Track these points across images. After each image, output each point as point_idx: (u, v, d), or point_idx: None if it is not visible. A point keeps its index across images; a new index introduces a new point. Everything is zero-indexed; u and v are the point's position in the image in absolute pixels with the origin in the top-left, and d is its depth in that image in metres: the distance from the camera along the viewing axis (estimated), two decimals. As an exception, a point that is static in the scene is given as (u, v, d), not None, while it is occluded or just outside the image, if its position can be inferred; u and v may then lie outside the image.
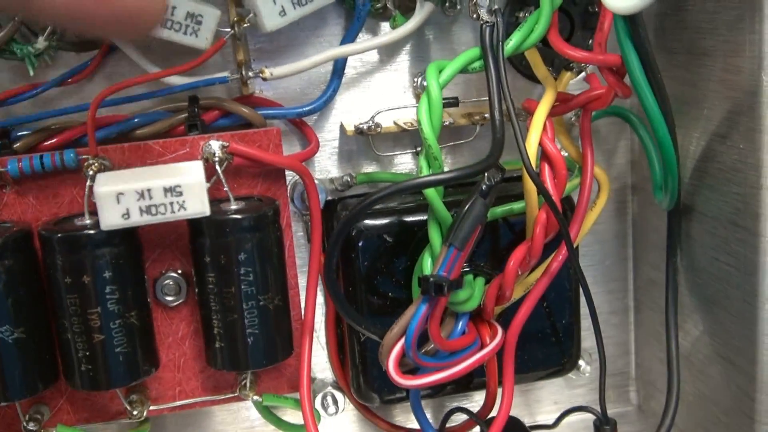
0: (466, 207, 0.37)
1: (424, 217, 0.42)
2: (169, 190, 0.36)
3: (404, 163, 0.47)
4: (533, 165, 0.38)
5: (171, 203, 0.37)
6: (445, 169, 0.39)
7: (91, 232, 0.37)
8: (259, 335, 0.39)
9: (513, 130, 0.37)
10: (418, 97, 0.46)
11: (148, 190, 0.36)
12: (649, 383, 0.52)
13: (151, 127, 0.42)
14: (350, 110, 0.45)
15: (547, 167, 0.39)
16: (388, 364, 0.38)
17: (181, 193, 0.37)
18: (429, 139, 0.37)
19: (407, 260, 0.43)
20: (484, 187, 0.37)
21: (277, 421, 0.47)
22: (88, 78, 0.42)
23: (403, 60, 0.46)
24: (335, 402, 0.48)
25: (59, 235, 0.37)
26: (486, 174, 0.37)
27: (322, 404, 0.48)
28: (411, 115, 0.45)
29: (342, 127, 0.45)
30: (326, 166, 0.46)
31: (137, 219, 0.36)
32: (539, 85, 0.46)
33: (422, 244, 0.42)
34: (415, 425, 0.44)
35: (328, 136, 0.46)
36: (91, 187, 0.38)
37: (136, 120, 0.42)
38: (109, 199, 0.36)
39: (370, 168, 0.47)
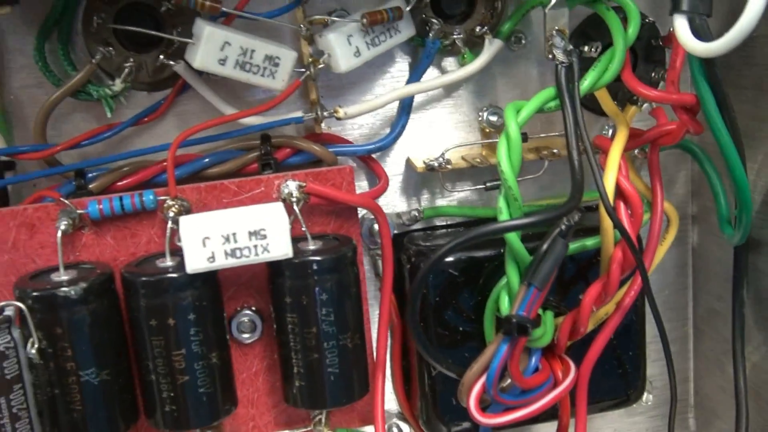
0: (546, 246, 0.38)
1: (491, 252, 0.43)
2: (253, 234, 0.37)
3: (462, 191, 0.47)
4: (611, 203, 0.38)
5: (255, 246, 0.37)
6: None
7: (175, 275, 0.37)
8: (338, 374, 0.40)
9: (591, 170, 0.38)
10: (482, 131, 0.46)
11: (234, 234, 0.37)
12: (708, 410, 0.52)
13: (223, 166, 0.42)
14: (414, 145, 0.46)
15: (622, 205, 0.40)
16: (469, 402, 0.39)
17: (265, 236, 0.37)
18: (509, 180, 0.37)
19: (476, 295, 0.44)
20: (563, 227, 0.38)
21: (345, 454, 0.47)
22: (159, 117, 0.43)
23: (468, 93, 0.46)
24: (401, 432, 0.49)
25: (143, 278, 0.38)
26: (568, 216, 0.37)
27: (388, 435, 0.49)
28: (477, 150, 0.45)
29: (409, 162, 0.45)
30: (392, 200, 0.46)
31: (222, 262, 0.37)
32: (601, 117, 0.47)
33: (491, 279, 0.42)
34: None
35: (393, 171, 0.46)
36: (173, 229, 0.39)
37: (206, 160, 0.43)
38: (195, 244, 0.36)
39: (434, 201, 0.47)
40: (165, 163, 0.42)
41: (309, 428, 0.44)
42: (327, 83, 0.44)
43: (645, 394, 0.49)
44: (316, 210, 0.42)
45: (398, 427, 0.48)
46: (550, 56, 0.39)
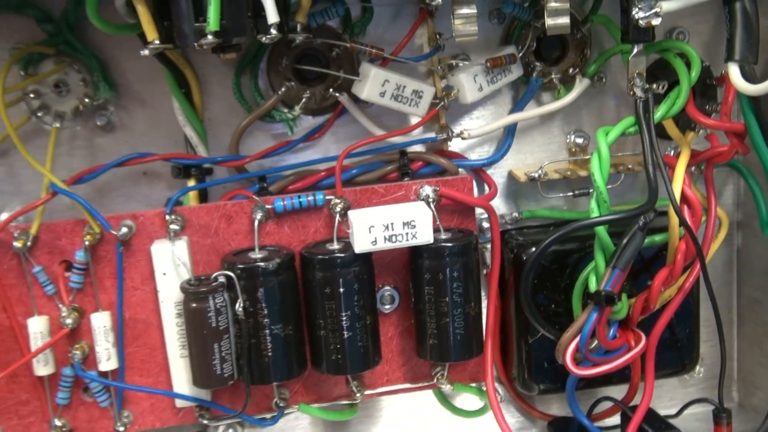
0: (628, 238, 0.49)
1: (574, 246, 0.54)
2: (406, 224, 0.49)
3: (554, 197, 0.58)
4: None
5: (406, 233, 0.49)
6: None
7: (343, 254, 0.49)
8: (463, 335, 0.51)
9: (663, 180, 0.49)
10: (569, 150, 0.58)
11: (392, 224, 0.48)
12: (749, 383, 0.63)
13: (369, 175, 0.54)
14: (514, 160, 0.58)
15: (686, 208, 0.51)
16: (565, 358, 0.50)
17: (414, 226, 0.49)
18: (600, 187, 0.49)
19: (564, 279, 0.55)
20: (642, 222, 0.49)
21: (453, 409, 0.59)
22: (320, 136, 0.55)
23: (558, 120, 0.58)
24: (497, 392, 0.60)
25: (319, 256, 0.50)
26: (645, 215, 0.49)
27: (486, 395, 0.60)
28: (565, 165, 0.57)
29: (511, 174, 0.57)
30: (495, 203, 0.58)
31: (381, 245, 0.49)
32: (665, 140, 0.58)
33: (575, 267, 0.54)
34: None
35: (496, 180, 0.58)
36: (340, 222, 0.51)
37: (354, 171, 0.54)
38: (362, 230, 0.48)
39: (527, 206, 0.59)
40: (323, 172, 0.54)
41: (430, 382, 0.55)
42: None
43: (697, 367, 0.60)
44: (442, 209, 0.53)
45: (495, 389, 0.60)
46: (631, 93, 0.50)
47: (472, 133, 0.53)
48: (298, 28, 0.47)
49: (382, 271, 0.53)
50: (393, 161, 0.55)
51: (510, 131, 0.56)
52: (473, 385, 0.56)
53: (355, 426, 0.61)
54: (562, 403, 0.61)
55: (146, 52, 0.44)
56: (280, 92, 0.52)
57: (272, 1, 0.42)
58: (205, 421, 0.53)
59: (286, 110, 0.53)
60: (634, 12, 0.48)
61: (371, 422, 0.62)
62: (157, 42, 0.44)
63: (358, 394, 0.54)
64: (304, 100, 0.53)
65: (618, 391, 0.58)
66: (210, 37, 0.42)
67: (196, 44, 0.43)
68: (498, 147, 0.57)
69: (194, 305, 0.48)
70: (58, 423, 0.52)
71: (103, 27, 0.45)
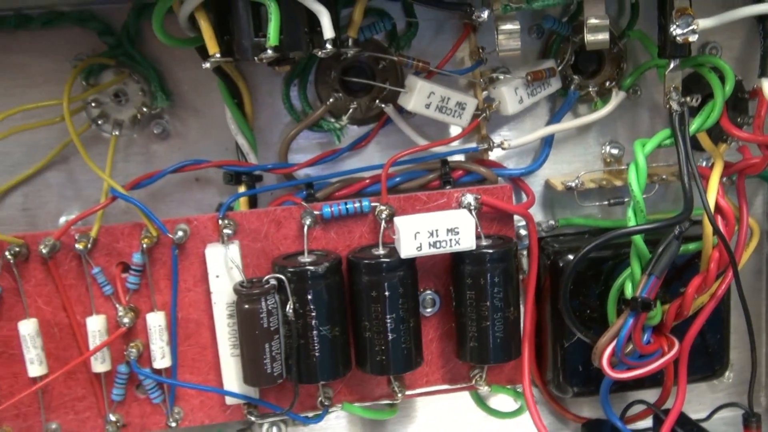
0: (664, 246, 0.51)
1: (608, 253, 0.56)
2: (450, 230, 0.51)
3: (589, 206, 0.60)
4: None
5: (450, 239, 0.51)
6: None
7: (389, 259, 0.51)
8: (502, 338, 0.53)
9: (698, 191, 0.51)
10: (604, 160, 0.60)
11: (436, 230, 0.50)
12: (778, 390, 0.64)
13: (411, 183, 0.57)
14: (551, 169, 0.59)
15: (719, 218, 0.53)
16: (602, 362, 0.52)
17: (458, 233, 0.51)
18: (637, 196, 0.51)
19: (599, 286, 0.57)
20: (677, 232, 0.51)
21: (489, 410, 0.61)
22: (365, 145, 0.57)
23: (593, 131, 0.60)
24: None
25: (365, 261, 0.52)
26: (680, 224, 0.51)
27: (520, 397, 0.62)
28: (600, 175, 0.59)
29: (548, 183, 0.59)
30: (532, 211, 0.60)
31: (426, 251, 0.51)
32: (697, 151, 0.60)
33: (610, 274, 0.56)
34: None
35: (533, 189, 0.60)
36: (385, 228, 0.53)
37: (397, 179, 0.57)
38: (408, 236, 0.50)
39: (563, 214, 0.60)
40: (368, 180, 0.56)
41: (468, 384, 0.57)
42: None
43: (727, 372, 0.62)
44: (482, 216, 0.55)
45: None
46: (667, 106, 0.52)
47: (512, 144, 0.55)
48: (350, 42, 0.49)
49: (423, 276, 0.55)
50: (434, 170, 0.57)
51: (547, 142, 0.58)
52: (509, 387, 0.58)
53: (392, 426, 0.63)
54: (593, 406, 0.63)
55: (207, 65, 0.46)
56: (328, 103, 0.55)
57: (329, 18, 0.44)
58: (253, 418, 0.55)
59: (333, 120, 0.55)
60: (671, 29, 0.50)
61: (408, 422, 0.64)
62: (218, 55, 0.46)
63: (399, 395, 0.56)
64: (351, 110, 0.55)
65: (648, 395, 0.60)
66: (269, 51, 0.44)
67: (256, 58, 0.45)
68: (536, 157, 0.58)
69: (247, 306, 0.50)
70: (112, 418, 0.54)
71: (166, 41, 0.48)
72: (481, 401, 0.61)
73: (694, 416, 0.62)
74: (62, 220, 0.55)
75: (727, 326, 0.59)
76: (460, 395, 0.62)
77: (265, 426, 0.59)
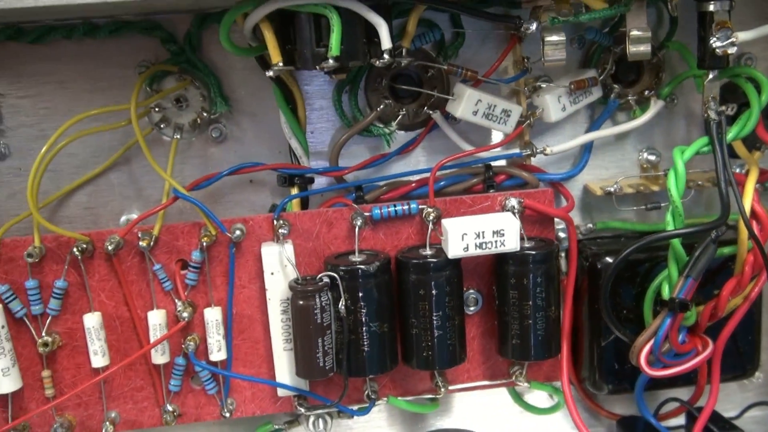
0: (701, 249, 0.53)
1: (644, 256, 0.58)
2: (496, 232, 0.53)
3: (627, 210, 0.63)
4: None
5: (495, 241, 0.53)
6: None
7: (436, 259, 0.54)
8: (543, 336, 0.55)
9: (735, 196, 0.53)
10: (641, 166, 0.62)
11: (483, 232, 0.53)
12: (806, 390, 0.66)
13: (456, 186, 0.59)
14: (590, 174, 0.62)
15: (755, 223, 0.55)
16: (639, 360, 0.54)
17: (503, 235, 0.53)
18: (676, 201, 0.53)
19: (636, 287, 0.59)
20: (714, 236, 0.53)
21: (526, 406, 0.63)
22: (412, 150, 0.60)
23: (631, 138, 0.62)
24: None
25: (414, 261, 0.54)
26: (717, 228, 0.53)
27: (556, 394, 0.64)
28: (637, 180, 0.61)
29: (587, 188, 0.61)
30: (571, 215, 0.62)
31: (473, 251, 0.53)
32: (732, 158, 0.62)
33: (646, 276, 0.58)
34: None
35: (572, 193, 0.62)
36: (432, 230, 0.55)
37: (442, 182, 0.59)
38: (456, 237, 0.53)
39: (600, 218, 0.63)
40: (414, 184, 0.58)
41: (509, 380, 0.60)
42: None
43: (757, 372, 0.64)
44: (524, 219, 0.57)
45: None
46: (706, 115, 0.54)
47: (554, 150, 0.58)
48: (403, 52, 0.52)
49: (467, 275, 0.57)
50: (478, 174, 0.59)
51: (587, 148, 0.60)
52: (547, 383, 0.60)
53: (431, 419, 0.66)
54: (625, 404, 0.65)
55: (270, 73, 0.49)
56: (378, 109, 0.57)
57: (387, 30, 0.47)
58: (303, 410, 0.58)
59: (382, 125, 0.58)
60: (711, 41, 0.52)
61: (446, 416, 0.66)
62: (280, 64, 0.49)
63: (442, 389, 0.58)
64: (399, 116, 0.57)
65: (681, 393, 0.62)
66: (331, 61, 0.47)
67: (318, 67, 0.47)
68: (575, 162, 0.61)
69: (302, 302, 0.52)
70: (169, 408, 0.57)
71: (232, 50, 0.50)
72: (518, 397, 0.63)
73: (725, 414, 0.64)
74: (123, 219, 0.58)
75: (759, 328, 0.61)
76: (497, 391, 0.64)
77: (311, 418, 0.61)
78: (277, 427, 0.61)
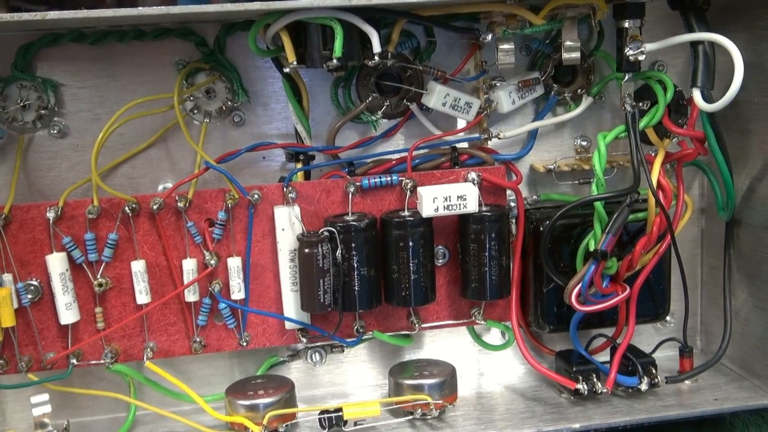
0: (618, 213, 0.68)
1: (577, 221, 0.73)
2: (460, 197, 0.68)
3: (563, 185, 0.78)
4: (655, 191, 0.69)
5: (459, 204, 0.68)
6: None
7: (413, 218, 0.68)
8: (497, 280, 0.70)
9: (645, 172, 0.68)
10: (575, 150, 0.77)
11: (449, 196, 0.67)
12: (710, 334, 0.82)
13: (428, 164, 0.74)
14: (535, 156, 0.77)
15: (661, 193, 0.70)
16: (571, 299, 0.69)
17: (465, 199, 0.68)
18: (599, 173, 0.68)
19: (570, 245, 0.74)
20: (628, 201, 0.68)
21: (483, 344, 0.78)
22: (394, 134, 0.74)
23: (567, 128, 0.77)
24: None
25: (395, 220, 0.68)
26: (630, 195, 0.68)
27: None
28: (572, 161, 0.76)
29: (532, 167, 0.77)
30: (520, 188, 0.77)
31: (442, 212, 0.68)
32: (646, 144, 0.77)
33: (579, 237, 0.73)
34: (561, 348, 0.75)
35: (521, 170, 0.77)
36: (409, 197, 0.70)
37: (417, 160, 0.74)
38: (429, 200, 0.67)
39: (543, 191, 0.78)
40: (395, 161, 0.73)
41: (469, 320, 0.74)
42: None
43: (668, 317, 0.79)
44: (483, 190, 0.72)
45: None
46: (623, 108, 0.70)
47: (506, 135, 0.73)
48: (389, 55, 0.67)
49: (437, 234, 0.72)
50: (446, 154, 0.74)
51: (533, 135, 0.75)
52: (500, 322, 0.75)
53: (406, 353, 0.80)
54: (564, 342, 0.80)
55: (287, 70, 0.63)
56: (367, 101, 0.72)
57: (377, 37, 0.61)
58: (304, 339, 0.71)
59: (369, 114, 0.73)
60: (626, 50, 0.67)
61: (419, 352, 0.80)
62: (294, 63, 0.63)
63: (416, 326, 0.73)
64: (383, 107, 0.72)
65: (607, 332, 0.77)
66: (335, 61, 0.61)
67: (324, 66, 0.62)
68: (523, 146, 0.76)
69: (307, 250, 0.67)
70: (197, 339, 0.71)
71: (257, 52, 0.65)
72: (477, 337, 0.78)
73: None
74: (161, 187, 0.72)
75: (668, 279, 0.76)
76: (460, 333, 0.79)
77: (309, 352, 0.75)
78: (282, 359, 0.75)
